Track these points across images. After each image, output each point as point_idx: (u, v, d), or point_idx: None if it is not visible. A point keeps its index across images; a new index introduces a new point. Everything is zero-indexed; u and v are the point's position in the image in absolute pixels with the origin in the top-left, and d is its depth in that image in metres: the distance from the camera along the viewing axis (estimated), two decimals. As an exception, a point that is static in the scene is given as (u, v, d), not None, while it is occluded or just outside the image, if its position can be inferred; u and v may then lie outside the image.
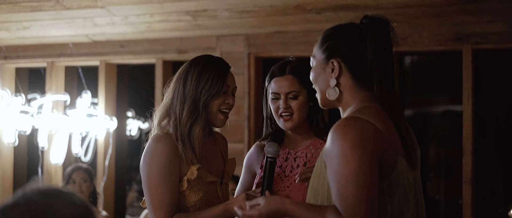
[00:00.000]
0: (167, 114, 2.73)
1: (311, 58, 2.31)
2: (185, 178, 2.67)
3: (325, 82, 2.24)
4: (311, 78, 2.30)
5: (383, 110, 2.16)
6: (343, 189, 2.02)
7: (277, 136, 3.02)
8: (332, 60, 2.22)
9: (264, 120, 3.05)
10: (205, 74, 2.70)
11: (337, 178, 2.04)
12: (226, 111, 2.76)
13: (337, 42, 2.23)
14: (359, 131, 2.06)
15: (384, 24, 2.22)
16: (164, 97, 2.79)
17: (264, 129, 3.06)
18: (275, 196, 2.30)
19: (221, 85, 2.71)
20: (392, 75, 2.21)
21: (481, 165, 5.09)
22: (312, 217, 2.08)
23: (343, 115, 2.24)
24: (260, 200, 2.23)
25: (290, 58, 3.03)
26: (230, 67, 2.79)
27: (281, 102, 2.90)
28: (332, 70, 2.22)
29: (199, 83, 2.69)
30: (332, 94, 2.22)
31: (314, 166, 2.87)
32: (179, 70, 2.78)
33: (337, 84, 2.21)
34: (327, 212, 2.05)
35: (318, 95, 2.29)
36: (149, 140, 2.71)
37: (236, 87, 2.81)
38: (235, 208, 2.34)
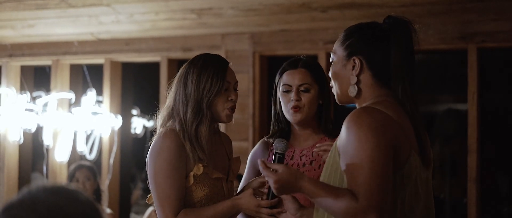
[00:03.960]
0: (171, 116, 2.75)
1: (332, 55, 2.33)
2: (192, 173, 2.68)
3: (345, 79, 2.27)
4: (330, 74, 2.33)
5: (400, 106, 2.19)
6: (358, 176, 2.04)
7: (284, 133, 3.02)
8: (354, 57, 2.25)
9: (272, 117, 3.06)
10: (204, 74, 2.71)
11: (352, 165, 2.06)
12: (231, 107, 2.77)
13: (360, 40, 2.27)
14: (374, 119, 2.09)
15: (407, 25, 2.25)
16: (167, 99, 2.80)
17: (271, 126, 3.07)
18: (294, 169, 2.30)
19: (222, 83, 2.72)
20: (414, 76, 2.24)
21: (486, 164, 5.08)
22: (326, 198, 2.09)
23: None
24: (279, 167, 2.24)
25: (302, 57, 3.04)
26: (228, 63, 2.80)
27: (292, 95, 2.91)
28: (353, 67, 2.25)
29: (199, 84, 2.70)
30: (352, 91, 2.25)
31: (314, 166, 2.89)
32: (179, 72, 2.80)
33: (357, 82, 2.24)
34: (343, 196, 2.06)
35: (335, 91, 2.32)
36: (155, 136, 2.73)
37: (237, 82, 2.81)
38: (259, 161, 2.33)
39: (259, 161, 2.33)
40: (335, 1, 4.51)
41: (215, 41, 5.60)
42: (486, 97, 5.11)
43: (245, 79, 5.40)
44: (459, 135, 5.63)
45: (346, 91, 2.28)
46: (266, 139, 3.09)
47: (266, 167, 2.27)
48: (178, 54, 5.76)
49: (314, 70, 2.94)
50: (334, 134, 2.94)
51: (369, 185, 2.02)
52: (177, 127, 2.70)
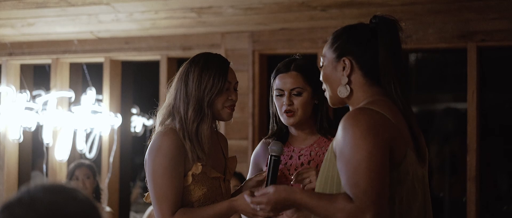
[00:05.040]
0: (170, 113, 2.75)
1: (321, 58, 2.35)
2: (190, 172, 2.69)
3: (336, 80, 2.29)
4: (321, 77, 2.35)
5: (393, 104, 2.20)
6: (354, 176, 2.05)
7: (282, 133, 3.03)
8: (344, 58, 2.26)
9: (270, 117, 3.07)
10: (206, 73, 2.71)
11: (349, 165, 2.07)
12: (231, 106, 2.77)
13: (348, 41, 2.29)
14: (370, 119, 2.10)
15: (394, 24, 2.27)
16: (167, 97, 2.80)
17: (270, 126, 3.08)
18: (284, 185, 2.32)
19: (223, 83, 2.73)
20: (403, 74, 2.26)
21: (485, 163, 5.09)
22: (322, 205, 2.11)
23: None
24: (270, 188, 2.26)
25: (296, 56, 3.04)
26: (229, 62, 2.81)
27: (285, 99, 2.91)
28: (344, 68, 2.27)
29: (200, 83, 2.70)
30: (343, 92, 2.27)
31: (312, 165, 2.90)
32: (179, 70, 2.80)
33: (348, 82, 2.26)
34: (338, 199, 2.07)
35: (328, 94, 2.34)
36: (154, 135, 2.73)
37: (237, 82, 2.82)
38: (245, 196, 2.39)
39: (245, 196, 2.44)
40: (335, 0, 4.51)
41: (214, 39, 5.60)
42: (486, 96, 5.11)
43: (245, 78, 5.40)
44: (458, 133, 5.64)
45: (338, 93, 2.29)
46: (265, 139, 3.10)
47: (259, 195, 2.29)
48: (177, 53, 5.76)
49: (306, 72, 2.93)
50: (331, 132, 2.95)
51: (366, 185, 2.03)
52: (177, 126, 2.70)
